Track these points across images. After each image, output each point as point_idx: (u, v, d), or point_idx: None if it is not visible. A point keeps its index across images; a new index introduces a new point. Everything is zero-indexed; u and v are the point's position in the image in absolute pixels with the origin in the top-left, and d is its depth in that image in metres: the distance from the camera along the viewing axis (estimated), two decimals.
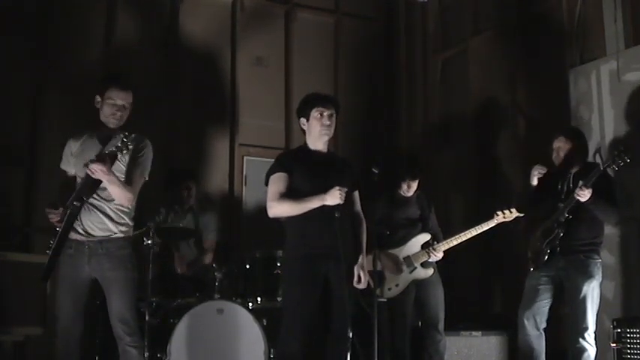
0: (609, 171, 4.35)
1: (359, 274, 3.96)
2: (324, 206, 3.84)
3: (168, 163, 6.15)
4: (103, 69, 6.06)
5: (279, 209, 3.92)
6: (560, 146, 4.54)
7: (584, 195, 4.25)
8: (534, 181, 4.69)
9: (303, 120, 4.07)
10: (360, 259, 4.00)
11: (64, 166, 3.98)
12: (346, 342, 3.81)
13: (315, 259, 3.84)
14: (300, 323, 3.80)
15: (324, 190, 3.85)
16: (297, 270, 3.87)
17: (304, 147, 4.11)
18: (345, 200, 3.85)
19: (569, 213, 4.37)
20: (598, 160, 5.05)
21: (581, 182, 4.27)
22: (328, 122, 4.00)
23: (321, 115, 3.99)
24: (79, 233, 3.82)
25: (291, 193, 3.94)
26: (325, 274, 3.87)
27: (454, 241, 4.96)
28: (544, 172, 4.65)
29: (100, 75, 5.93)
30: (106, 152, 3.74)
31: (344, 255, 3.79)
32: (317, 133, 4.01)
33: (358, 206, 4.17)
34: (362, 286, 3.98)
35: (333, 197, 3.81)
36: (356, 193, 4.15)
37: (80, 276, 3.82)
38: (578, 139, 4.59)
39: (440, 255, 5.00)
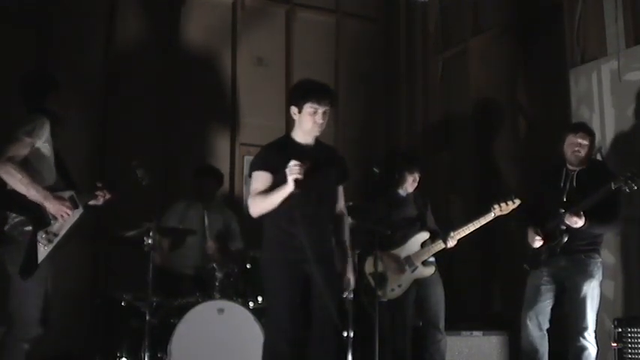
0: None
1: (347, 281, 3.93)
2: (304, 207, 3.72)
3: (169, 163, 6.16)
4: (105, 69, 6.08)
5: (256, 207, 3.77)
6: (582, 143, 4.45)
7: (575, 223, 4.25)
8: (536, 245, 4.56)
9: (294, 109, 3.84)
10: (347, 265, 3.94)
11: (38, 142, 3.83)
12: (332, 343, 3.79)
13: (296, 261, 3.75)
14: (288, 324, 3.72)
15: (310, 188, 3.72)
16: (279, 273, 3.77)
17: (290, 139, 3.91)
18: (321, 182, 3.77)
19: None
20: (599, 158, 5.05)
21: (562, 211, 4.26)
22: (321, 121, 3.80)
23: (315, 111, 3.78)
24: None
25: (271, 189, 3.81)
26: (307, 275, 3.78)
27: (466, 230, 4.89)
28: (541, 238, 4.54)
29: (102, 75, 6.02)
30: None
31: (326, 257, 3.75)
32: (307, 129, 3.82)
33: (341, 203, 4.01)
34: (347, 289, 3.97)
35: (290, 179, 3.61)
36: (340, 188, 3.99)
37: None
38: (594, 138, 4.58)
39: (454, 243, 4.92)
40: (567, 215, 4.28)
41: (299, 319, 3.76)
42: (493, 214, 4.82)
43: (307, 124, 3.81)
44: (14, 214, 3.71)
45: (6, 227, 3.70)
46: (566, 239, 4.38)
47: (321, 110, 3.78)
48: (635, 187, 4.08)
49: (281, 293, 3.77)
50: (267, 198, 3.73)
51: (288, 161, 3.71)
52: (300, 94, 3.84)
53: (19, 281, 3.71)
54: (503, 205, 4.77)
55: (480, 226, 4.87)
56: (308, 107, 3.78)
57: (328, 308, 3.75)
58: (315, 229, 3.76)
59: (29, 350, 3.75)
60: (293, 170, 3.61)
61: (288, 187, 3.63)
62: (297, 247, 3.75)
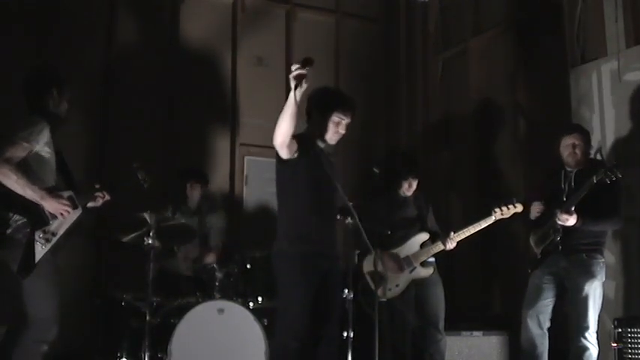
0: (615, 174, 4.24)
1: None
2: (322, 201, 3.73)
3: (169, 163, 6.15)
4: (105, 69, 6.08)
5: (277, 130, 3.69)
6: (576, 143, 4.51)
7: (566, 220, 4.27)
8: (533, 216, 4.60)
9: (317, 115, 3.86)
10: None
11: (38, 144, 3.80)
12: (336, 343, 3.80)
13: (314, 257, 3.74)
14: (299, 322, 3.70)
15: (324, 189, 3.75)
16: (296, 267, 3.72)
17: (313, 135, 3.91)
18: None
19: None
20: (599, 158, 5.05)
21: (557, 211, 4.28)
22: (343, 131, 3.87)
23: (340, 122, 3.84)
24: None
25: (292, 181, 3.83)
26: (323, 271, 3.77)
27: (467, 232, 4.87)
28: (542, 209, 4.56)
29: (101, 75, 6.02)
30: None
31: (336, 255, 3.75)
32: (328, 137, 3.88)
33: None
34: None
35: (292, 85, 3.48)
36: None
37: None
38: (589, 137, 4.61)
39: (453, 245, 4.90)
40: (558, 213, 4.29)
41: (311, 316, 3.70)
42: (494, 218, 4.81)
43: (329, 133, 3.86)
44: (16, 217, 3.70)
45: (9, 230, 3.69)
46: (558, 238, 4.40)
47: (345, 122, 3.86)
48: (614, 178, 4.17)
49: (296, 289, 3.73)
50: (282, 116, 3.59)
51: (312, 147, 3.74)
52: (327, 102, 3.87)
53: (33, 283, 3.69)
54: (504, 208, 4.77)
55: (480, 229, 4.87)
56: (334, 117, 3.84)
57: (337, 310, 3.76)
58: (328, 227, 3.75)
59: (47, 351, 3.74)
60: (296, 77, 3.46)
61: (292, 95, 3.52)
62: (315, 240, 3.74)
